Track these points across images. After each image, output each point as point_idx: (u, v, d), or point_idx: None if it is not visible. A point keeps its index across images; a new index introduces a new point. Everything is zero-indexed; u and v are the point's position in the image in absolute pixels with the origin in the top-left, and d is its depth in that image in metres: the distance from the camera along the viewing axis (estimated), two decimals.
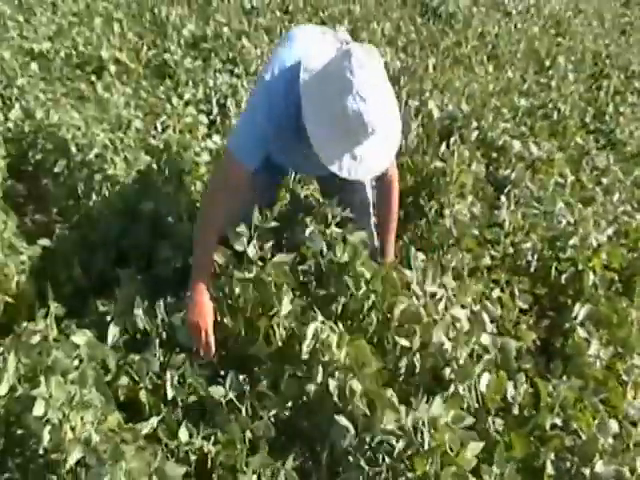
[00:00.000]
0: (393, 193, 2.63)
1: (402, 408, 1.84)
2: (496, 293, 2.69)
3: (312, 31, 2.34)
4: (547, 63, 6.36)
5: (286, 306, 2.13)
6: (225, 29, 5.87)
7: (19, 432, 1.77)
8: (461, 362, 2.15)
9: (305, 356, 2.00)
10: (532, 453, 1.89)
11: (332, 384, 1.89)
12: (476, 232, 3.03)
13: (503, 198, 3.37)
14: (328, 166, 2.05)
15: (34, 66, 4.71)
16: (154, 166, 3.17)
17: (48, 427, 1.67)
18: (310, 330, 2.01)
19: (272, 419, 1.97)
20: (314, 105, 2.04)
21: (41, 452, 1.66)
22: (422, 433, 1.76)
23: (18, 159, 3.66)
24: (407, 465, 1.76)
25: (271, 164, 2.49)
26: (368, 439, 1.82)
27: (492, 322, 2.42)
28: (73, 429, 1.68)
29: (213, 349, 2.12)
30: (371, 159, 2.09)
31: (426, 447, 1.75)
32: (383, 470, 1.78)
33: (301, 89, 2.07)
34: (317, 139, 2.03)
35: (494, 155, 3.96)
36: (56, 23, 5.82)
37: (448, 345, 2.20)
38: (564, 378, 2.13)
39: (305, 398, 1.99)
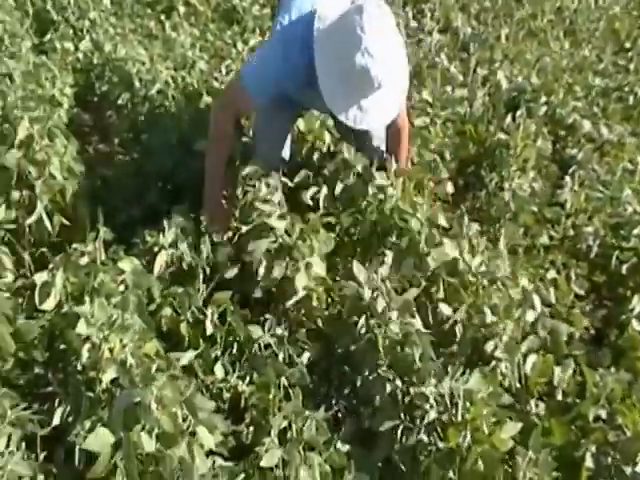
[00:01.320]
0: (402, 138, 2.64)
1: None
2: (551, 274, 2.61)
3: None
4: (627, 45, 6.07)
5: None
6: None
7: (62, 347, 1.80)
8: (505, 338, 2.09)
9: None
10: (572, 443, 1.81)
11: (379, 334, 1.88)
12: (534, 208, 2.93)
13: (567, 178, 3.25)
14: (336, 114, 2.20)
15: (106, 1, 4.77)
16: None
17: (87, 345, 1.70)
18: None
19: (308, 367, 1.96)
20: (325, 57, 2.14)
21: (79, 369, 1.68)
22: (457, 404, 1.72)
23: (85, 89, 3.73)
24: (439, 435, 1.72)
25: (284, 97, 2.50)
26: (407, 400, 1.79)
27: (545, 305, 2.34)
28: (111, 350, 1.70)
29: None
30: (377, 111, 2.22)
31: (459, 419, 1.71)
32: (415, 430, 1.74)
33: (314, 39, 2.16)
34: (327, 88, 2.15)
35: (562, 133, 3.80)
36: None
37: (491, 318, 2.15)
38: (612, 370, 2.04)
39: (345, 348, 1.98)
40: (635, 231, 2.78)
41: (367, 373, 1.91)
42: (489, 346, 2.09)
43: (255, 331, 1.98)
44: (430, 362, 1.81)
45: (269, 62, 2.30)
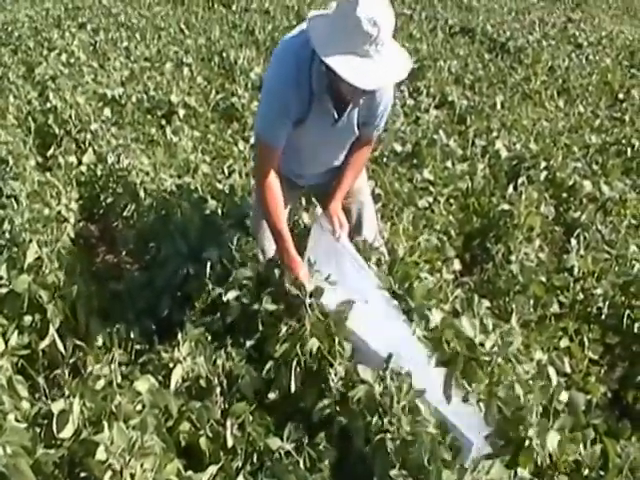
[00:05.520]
0: (364, 149, 2.67)
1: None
2: (564, 343, 2.60)
3: None
4: (620, 96, 6.19)
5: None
6: None
7: (82, 475, 1.80)
8: (534, 418, 2.06)
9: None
10: None
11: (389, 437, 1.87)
12: (543, 278, 2.93)
13: (573, 242, 3.26)
14: (344, 76, 2.11)
15: (107, 111, 4.95)
16: (219, 211, 3.22)
17: (109, 473, 1.70)
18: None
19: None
20: (323, 33, 2.16)
21: None
22: None
23: (91, 201, 3.83)
24: None
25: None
26: None
27: (561, 375, 2.32)
28: (133, 476, 1.70)
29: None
30: (383, 70, 2.16)
31: None
32: None
33: (308, 27, 2.22)
34: (333, 61, 2.12)
35: (564, 196, 3.85)
36: (129, 68, 6.08)
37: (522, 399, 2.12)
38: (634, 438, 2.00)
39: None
40: None
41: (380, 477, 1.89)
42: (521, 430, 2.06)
43: (274, 442, 1.98)
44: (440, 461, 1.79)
45: (271, 96, 2.39)
